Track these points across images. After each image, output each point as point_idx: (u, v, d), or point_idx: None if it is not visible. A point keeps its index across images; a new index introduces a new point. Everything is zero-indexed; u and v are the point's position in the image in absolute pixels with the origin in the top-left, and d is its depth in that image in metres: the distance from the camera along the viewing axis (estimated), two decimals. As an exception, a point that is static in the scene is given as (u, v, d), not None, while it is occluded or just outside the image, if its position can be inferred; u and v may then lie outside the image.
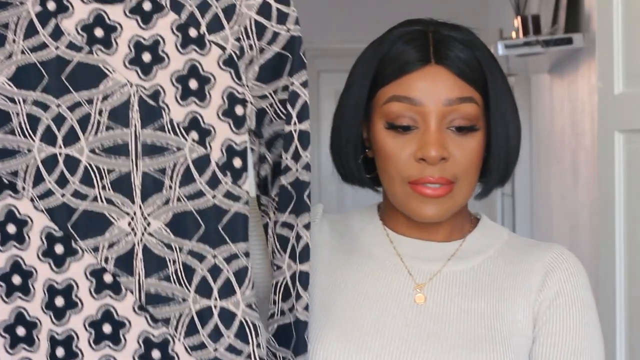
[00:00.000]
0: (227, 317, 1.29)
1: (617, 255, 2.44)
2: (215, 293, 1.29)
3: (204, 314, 1.29)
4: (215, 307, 1.29)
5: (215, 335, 1.29)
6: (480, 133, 1.36)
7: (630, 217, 2.39)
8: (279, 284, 1.31)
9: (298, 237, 1.31)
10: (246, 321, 1.30)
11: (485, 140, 1.37)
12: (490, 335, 1.35)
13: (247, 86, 1.31)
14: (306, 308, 1.31)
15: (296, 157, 1.31)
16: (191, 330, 1.29)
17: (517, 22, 3.92)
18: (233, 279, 1.29)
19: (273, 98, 1.32)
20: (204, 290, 1.29)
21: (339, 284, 1.40)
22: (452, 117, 1.34)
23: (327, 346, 1.34)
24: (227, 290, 1.29)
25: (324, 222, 1.48)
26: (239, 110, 1.30)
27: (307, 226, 1.31)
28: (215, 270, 1.29)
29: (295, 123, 1.31)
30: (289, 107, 1.31)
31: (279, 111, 1.32)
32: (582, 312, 1.39)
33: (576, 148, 3.84)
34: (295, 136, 1.31)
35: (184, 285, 1.29)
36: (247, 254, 1.30)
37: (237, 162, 1.30)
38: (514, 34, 3.93)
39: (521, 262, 1.41)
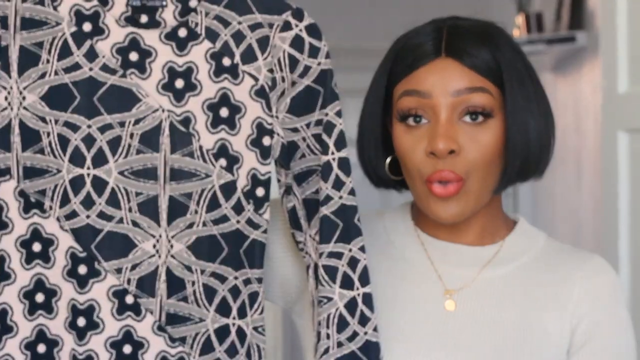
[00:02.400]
0: (242, 335, 1.33)
1: (621, 255, 2.44)
2: (234, 312, 1.32)
3: (223, 332, 1.32)
4: (233, 325, 1.33)
5: (232, 351, 1.32)
6: (496, 125, 1.34)
7: (635, 216, 2.39)
8: (331, 316, 1.31)
9: (354, 262, 1.32)
10: (252, 343, 1.34)
11: (503, 134, 1.34)
12: (518, 346, 1.34)
13: (278, 118, 1.33)
14: (375, 329, 1.32)
15: (338, 185, 1.32)
16: (206, 348, 1.31)
17: (520, 19, 3.91)
18: (247, 302, 1.33)
19: (305, 132, 1.33)
20: (224, 309, 1.32)
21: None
22: (463, 107, 1.33)
23: None
24: (242, 311, 1.33)
25: None
26: (266, 140, 1.32)
27: (362, 249, 1.33)
28: (235, 291, 1.32)
29: (333, 152, 1.33)
30: (324, 137, 1.33)
31: (312, 146, 1.33)
32: (623, 329, 1.37)
33: (580, 147, 3.83)
34: (335, 165, 1.32)
35: (202, 305, 1.31)
36: (259, 280, 1.33)
37: (259, 191, 1.33)
38: (517, 32, 3.92)
39: (557, 271, 1.39)
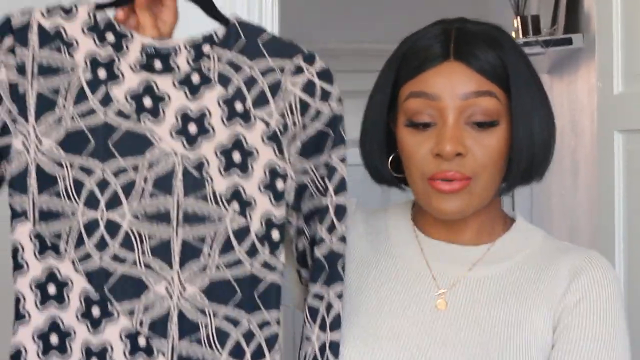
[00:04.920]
0: None
1: (617, 255, 2.44)
2: (247, 356, 1.33)
3: None
4: None
5: None
6: (501, 129, 1.35)
7: (630, 216, 2.39)
8: (307, 355, 1.34)
9: (329, 307, 1.33)
10: None
11: (509, 137, 1.36)
12: (506, 344, 1.34)
13: (289, 161, 1.34)
14: None
15: (331, 229, 1.34)
16: None
17: (517, 22, 3.91)
18: (264, 344, 1.33)
19: (314, 173, 1.34)
20: (237, 353, 1.32)
21: (366, 286, 1.41)
22: (471, 112, 1.33)
23: (347, 349, 1.36)
24: (258, 354, 1.33)
25: (357, 218, 1.48)
26: (279, 184, 1.33)
27: (339, 295, 1.34)
28: (249, 335, 1.33)
29: (331, 196, 1.34)
30: (326, 180, 1.34)
31: (319, 186, 1.34)
32: (603, 321, 1.35)
33: (576, 148, 3.84)
34: (332, 209, 1.34)
35: (215, 348, 1.32)
36: (278, 322, 1.34)
37: (275, 234, 1.34)
38: (513, 34, 3.93)
39: (548, 268, 1.39)
